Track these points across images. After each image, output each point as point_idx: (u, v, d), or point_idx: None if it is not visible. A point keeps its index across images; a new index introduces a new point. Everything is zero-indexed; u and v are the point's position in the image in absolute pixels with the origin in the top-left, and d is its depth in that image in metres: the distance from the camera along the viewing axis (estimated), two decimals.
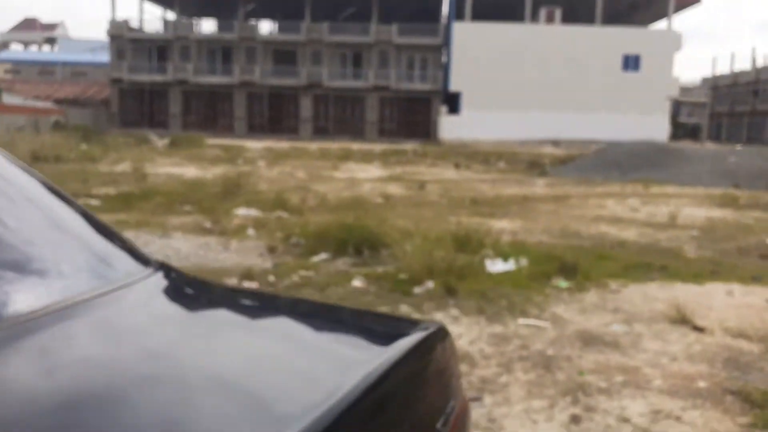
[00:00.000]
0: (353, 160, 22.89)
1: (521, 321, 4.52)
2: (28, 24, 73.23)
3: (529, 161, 22.80)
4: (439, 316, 4.60)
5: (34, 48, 69.62)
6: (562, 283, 5.59)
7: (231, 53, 42.84)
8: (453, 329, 4.32)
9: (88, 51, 59.01)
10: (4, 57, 60.06)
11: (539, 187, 15.34)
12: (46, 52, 64.78)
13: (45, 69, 57.03)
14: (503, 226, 8.80)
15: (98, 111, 42.63)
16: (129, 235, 7.98)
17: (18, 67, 57.59)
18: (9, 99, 36.86)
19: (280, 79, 42.16)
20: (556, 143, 35.93)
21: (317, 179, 15.62)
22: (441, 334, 1.05)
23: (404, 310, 4.75)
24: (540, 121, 39.21)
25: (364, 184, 14.66)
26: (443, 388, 0.96)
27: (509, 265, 6.05)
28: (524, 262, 6.19)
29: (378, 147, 30.44)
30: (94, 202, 10.41)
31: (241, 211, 9.65)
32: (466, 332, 4.27)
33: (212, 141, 30.66)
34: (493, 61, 39.88)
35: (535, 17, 42.25)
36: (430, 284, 5.31)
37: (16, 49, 67.62)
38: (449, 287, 5.16)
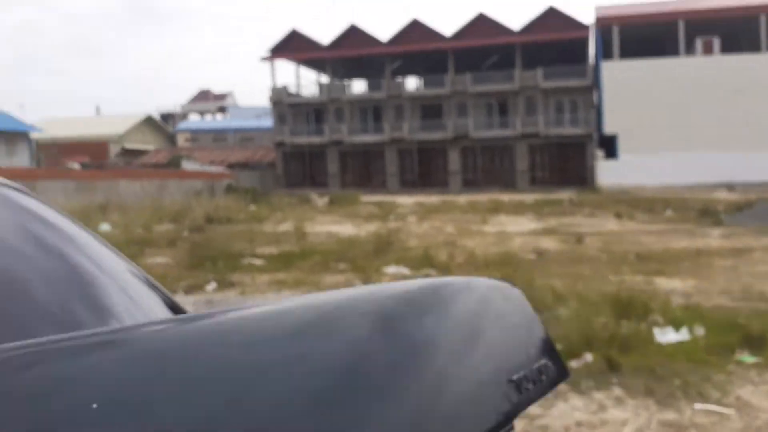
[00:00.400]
0: (503, 212, 22.43)
1: (698, 406, 3.96)
2: (203, 95, 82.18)
3: (700, 209, 20.79)
4: (600, 397, 4.16)
5: (208, 117, 77.63)
6: (748, 358, 4.87)
7: (381, 111, 44.59)
8: (617, 413, 3.88)
9: (254, 117, 64.59)
10: (184, 127, 67.47)
11: (714, 238, 13.89)
12: (218, 121, 71.79)
13: (218, 136, 63.09)
14: (673, 286, 8.00)
15: (265, 173, 46.00)
16: (286, 293, 8.32)
17: (195, 135, 64.36)
18: (188, 165, 41.14)
19: (427, 133, 43.04)
20: (730, 187, 32.70)
21: (466, 234, 15.43)
22: (505, 289, 0.84)
23: (558, 388, 4.37)
24: (709, 162, 36.12)
25: (514, 238, 14.22)
26: (519, 342, 0.77)
27: (682, 335, 5.41)
28: (700, 330, 5.51)
29: (530, 197, 29.68)
30: (258, 261, 11.01)
31: (391, 269, 9.71)
32: (632, 418, 3.80)
33: (367, 198, 31.74)
34: (649, 99, 37.78)
35: (690, 49, 39.56)
36: (588, 357, 4.87)
37: (194, 119, 75.80)
38: (611, 361, 4.69)
